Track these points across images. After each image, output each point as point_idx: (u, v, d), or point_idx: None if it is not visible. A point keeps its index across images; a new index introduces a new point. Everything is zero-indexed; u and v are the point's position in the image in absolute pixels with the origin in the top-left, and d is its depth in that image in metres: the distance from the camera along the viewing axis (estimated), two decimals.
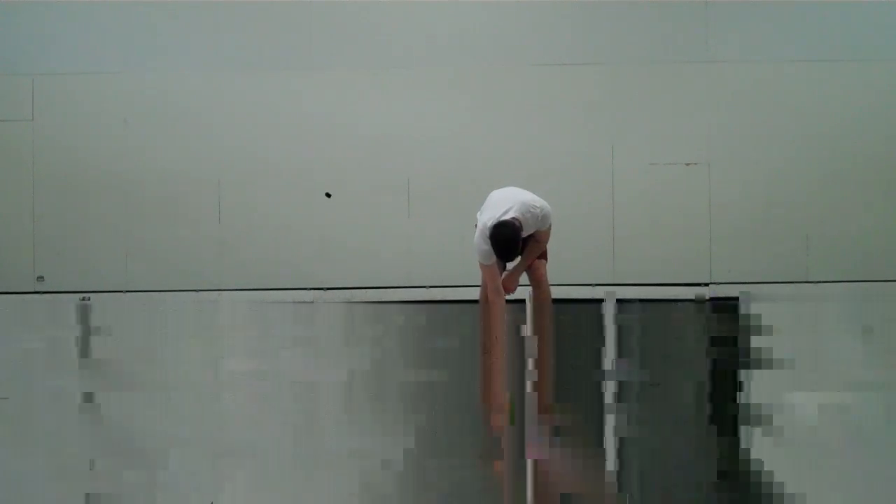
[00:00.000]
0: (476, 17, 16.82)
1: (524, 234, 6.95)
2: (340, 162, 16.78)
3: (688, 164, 16.69)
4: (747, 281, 16.78)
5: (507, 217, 6.92)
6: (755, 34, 16.58)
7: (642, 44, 16.66)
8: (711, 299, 17.07)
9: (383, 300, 16.85)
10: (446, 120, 16.74)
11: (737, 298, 16.72)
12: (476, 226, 7.19)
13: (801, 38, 16.52)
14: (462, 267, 16.46)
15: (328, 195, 16.97)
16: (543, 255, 7.52)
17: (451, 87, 16.79)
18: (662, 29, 16.66)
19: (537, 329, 7.32)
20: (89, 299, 17.07)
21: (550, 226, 7.23)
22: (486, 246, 7.08)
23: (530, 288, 7.67)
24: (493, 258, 7.12)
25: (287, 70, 16.77)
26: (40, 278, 16.76)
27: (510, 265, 7.60)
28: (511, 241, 6.80)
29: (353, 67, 16.73)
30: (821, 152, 16.52)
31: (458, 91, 16.76)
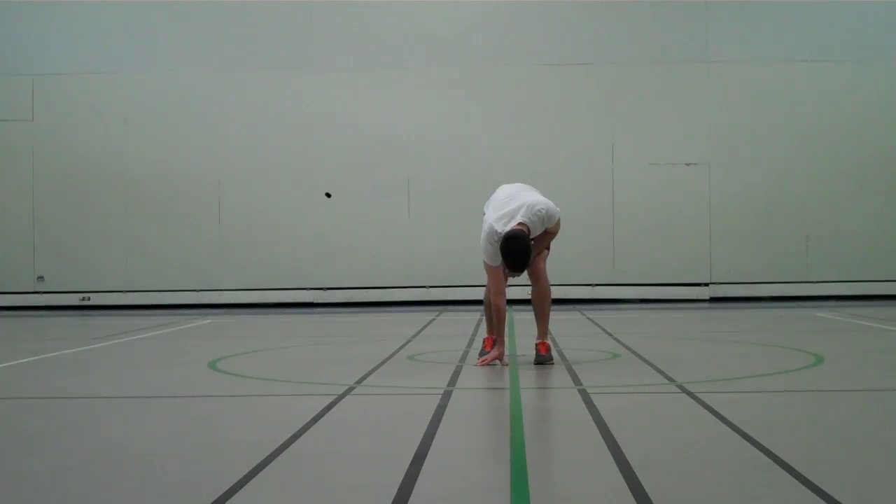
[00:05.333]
0: (476, 17, 16.83)
1: (532, 235, 6.95)
2: (340, 162, 16.80)
3: (688, 164, 16.71)
4: (747, 281, 16.83)
5: (514, 223, 6.92)
6: (755, 35, 16.60)
7: (642, 44, 16.67)
8: (712, 299, 17.14)
9: (384, 300, 16.90)
10: (447, 120, 16.76)
11: (736, 298, 16.84)
12: (484, 218, 7.20)
13: (800, 38, 16.53)
14: (462, 267, 16.55)
15: (328, 195, 16.98)
16: (545, 245, 7.52)
17: (452, 87, 16.81)
18: (662, 29, 16.67)
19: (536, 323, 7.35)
20: (89, 299, 17.11)
21: (559, 219, 7.24)
22: (493, 248, 7.08)
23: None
24: (499, 259, 7.11)
25: (287, 70, 16.79)
26: (40, 278, 16.76)
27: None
28: (522, 254, 6.81)
29: (353, 67, 16.75)
30: (821, 152, 16.54)
31: (459, 91, 16.78)
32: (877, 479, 3.79)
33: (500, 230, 7.06)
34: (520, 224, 7.06)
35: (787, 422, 4.95)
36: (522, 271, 7.13)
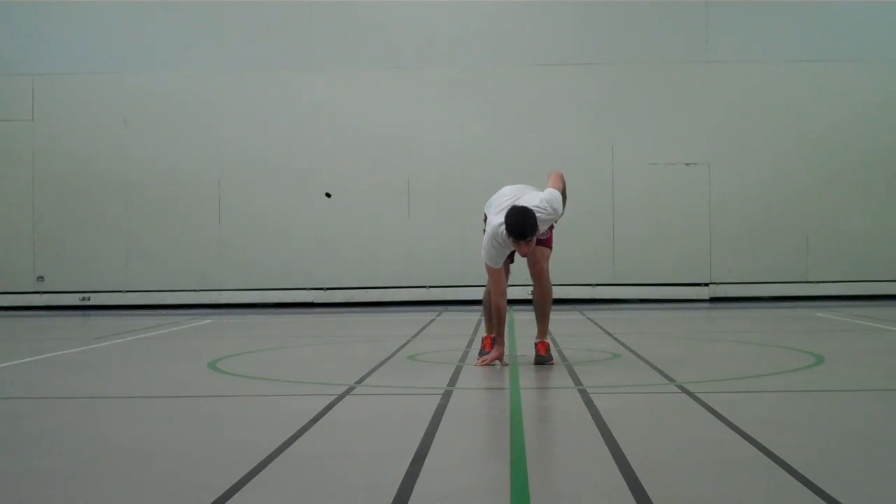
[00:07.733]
0: (476, 17, 16.83)
1: (539, 232, 6.93)
2: (340, 162, 16.81)
3: (688, 164, 16.71)
4: (747, 281, 16.83)
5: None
6: (755, 35, 16.59)
7: (642, 44, 16.67)
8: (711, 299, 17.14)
9: (383, 300, 16.90)
10: (446, 120, 16.75)
11: (736, 298, 16.87)
12: (485, 220, 7.16)
13: (800, 38, 16.53)
14: (462, 267, 16.54)
15: (328, 195, 16.99)
16: (548, 244, 7.47)
17: (452, 87, 16.81)
18: (662, 29, 16.68)
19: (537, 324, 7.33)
20: (89, 299, 17.11)
21: (564, 199, 7.18)
22: (495, 250, 7.06)
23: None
24: (501, 262, 7.09)
25: (287, 70, 16.79)
26: (40, 278, 16.77)
27: (516, 261, 7.57)
28: (526, 216, 6.67)
29: (353, 67, 16.75)
30: (821, 152, 16.54)
31: (459, 91, 16.78)
32: (877, 479, 3.79)
33: (503, 231, 7.04)
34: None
35: (787, 422, 4.95)
36: (531, 237, 6.91)
